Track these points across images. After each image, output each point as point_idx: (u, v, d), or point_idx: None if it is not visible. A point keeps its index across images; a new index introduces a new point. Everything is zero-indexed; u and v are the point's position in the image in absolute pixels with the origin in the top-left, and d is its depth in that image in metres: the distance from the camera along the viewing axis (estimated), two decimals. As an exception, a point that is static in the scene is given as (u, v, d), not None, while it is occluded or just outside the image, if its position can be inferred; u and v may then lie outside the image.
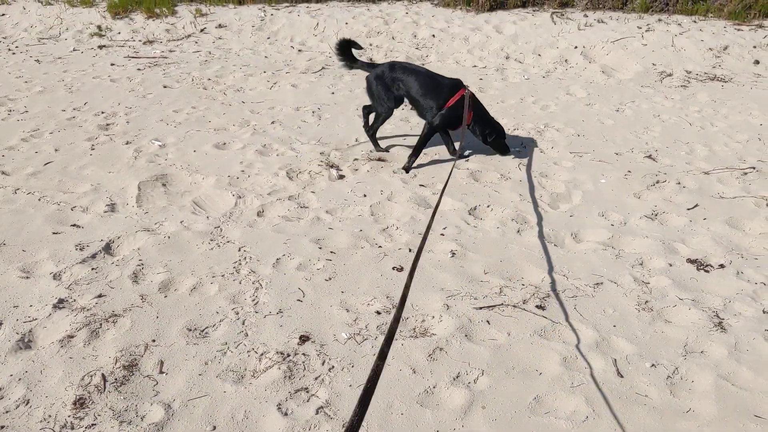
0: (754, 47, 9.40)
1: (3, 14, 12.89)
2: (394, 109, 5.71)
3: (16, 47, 10.99)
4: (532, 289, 3.68)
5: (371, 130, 5.96)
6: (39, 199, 4.95)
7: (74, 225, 4.51)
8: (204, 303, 3.58)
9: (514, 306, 3.51)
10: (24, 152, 5.97)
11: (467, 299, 3.58)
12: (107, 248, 4.19)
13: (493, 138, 5.57)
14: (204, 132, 6.47)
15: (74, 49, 10.77)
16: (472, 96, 5.41)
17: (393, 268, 3.92)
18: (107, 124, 6.75)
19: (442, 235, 4.38)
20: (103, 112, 7.16)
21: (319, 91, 8.14)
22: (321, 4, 12.19)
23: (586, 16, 10.82)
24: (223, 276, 3.84)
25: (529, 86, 8.34)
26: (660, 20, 10.44)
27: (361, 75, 8.75)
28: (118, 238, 4.32)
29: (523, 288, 3.70)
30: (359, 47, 6.12)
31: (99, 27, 11.77)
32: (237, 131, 6.53)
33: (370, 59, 9.83)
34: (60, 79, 8.71)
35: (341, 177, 5.40)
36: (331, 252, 4.13)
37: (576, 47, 9.67)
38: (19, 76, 8.95)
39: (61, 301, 3.55)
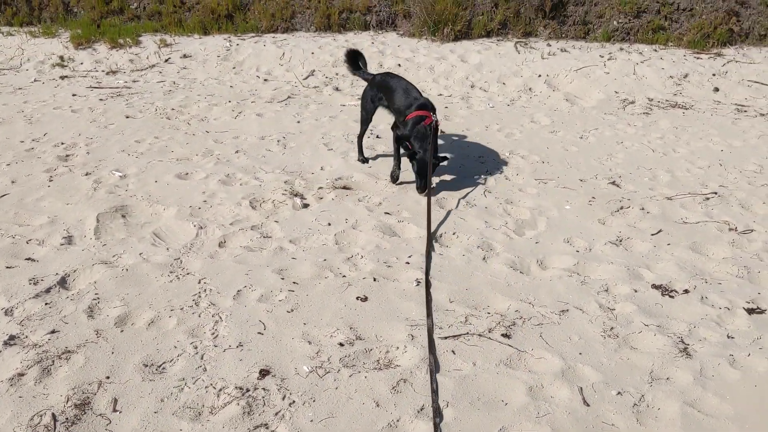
0: (714, 75, 9.65)
1: (-38, 44, 12.67)
2: (372, 115, 6.15)
3: (-25, 78, 10.79)
4: (498, 318, 3.65)
5: (359, 137, 6.36)
6: (-8, 233, 4.80)
7: (29, 259, 4.38)
8: (161, 337, 3.48)
9: (480, 335, 3.47)
10: (-22, 184, 5.81)
11: (433, 329, 3.53)
12: (62, 282, 4.07)
13: (419, 158, 5.45)
14: (166, 162, 6.39)
15: (35, 80, 10.62)
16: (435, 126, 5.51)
17: (357, 298, 3.87)
18: (67, 155, 6.63)
19: (407, 263, 4.34)
20: (62, 143, 7.03)
21: (285, 120, 8.12)
22: (287, 34, 12.24)
23: (549, 45, 11.02)
24: (182, 309, 3.74)
25: (493, 114, 8.42)
26: (622, 49, 10.67)
27: (326, 105, 8.77)
28: (74, 271, 4.20)
29: (488, 316, 3.67)
30: (364, 60, 6.50)
31: (61, 57, 11.64)
32: (200, 161, 6.45)
33: (336, 88, 9.85)
34: (19, 110, 8.55)
35: (305, 206, 5.36)
36: (294, 282, 4.06)
37: (540, 76, 9.82)
38: (-23, 106, 8.76)
39: (12, 337, 3.42)
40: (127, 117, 8.12)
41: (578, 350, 3.37)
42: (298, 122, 8.03)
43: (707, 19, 10.88)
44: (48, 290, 3.95)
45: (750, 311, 3.72)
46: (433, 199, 5.45)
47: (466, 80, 10.00)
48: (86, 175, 6.02)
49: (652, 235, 4.84)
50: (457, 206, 5.34)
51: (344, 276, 4.16)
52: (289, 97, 9.30)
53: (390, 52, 11.05)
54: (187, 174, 6.07)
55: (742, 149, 7.02)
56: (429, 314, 3.57)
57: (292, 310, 3.74)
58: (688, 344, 3.42)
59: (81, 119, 8.04)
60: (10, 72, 11.30)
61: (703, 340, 3.46)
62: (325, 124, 7.88)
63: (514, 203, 5.40)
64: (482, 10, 11.74)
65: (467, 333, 3.49)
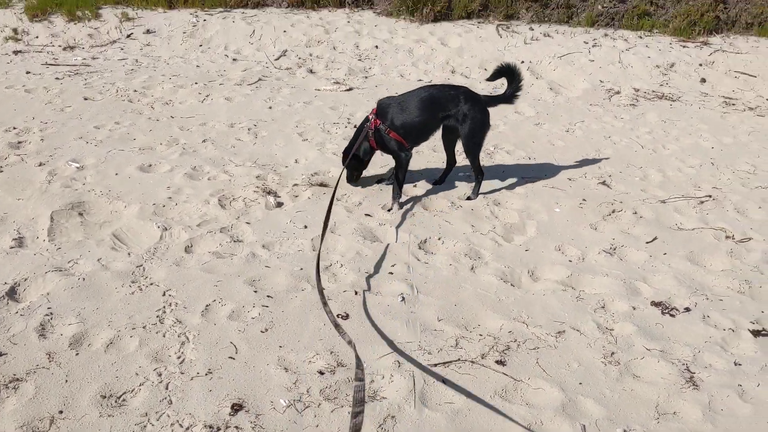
0: (700, 65, 9.53)
1: None
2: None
3: None
4: (491, 341, 3.44)
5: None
6: (-67, 233, 4.44)
7: (-28, 264, 4.03)
8: (122, 362, 3.20)
9: (472, 362, 3.26)
10: None
11: (420, 354, 3.31)
12: (11, 293, 3.75)
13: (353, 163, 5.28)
14: (128, 152, 6.03)
15: (-15, 54, 10.05)
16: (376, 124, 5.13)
17: (338, 316, 3.62)
18: (18, 142, 6.22)
19: (391, 274, 4.11)
20: (14, 128, 6.61)
21: (256, 105, 7.77)
22: (257, 9, 11.79)
23: (531, 29, 10.78)
24: (144, 327, 3.46)
25: (476, 103, 8.17)
26: (606, 35, 10.48)
27: (299, 89, 8.43)
28: (25, 280, 3.88)
29: (480, 339, 3.45)
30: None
31: (15, 30, 11.05)
32: (164, 151, 6.11)
33: (310, 70, 9.50)
34: (-34, 88, 8.06)
35: (279, 205, 5.07)
36: (268, 296, 3.80)
37: (523, 62, 9.59)
38: None
39: (-51, 364, 3.11)
40: (86, 99, 7.70)
41: (578, 379, 3.17)
42: (270, 108, 7.70)
43: (694, 6, 10.74)
44: (-6, 303, 3.62)
45: (756, 333, 3.57)
46: (415, 199, 5.20)
47: (447, 65, 9.73)
48: (40, 165, 5.64)
49: (647, 243, 4.67)
50: (441, 207, 5.10)
51: (322, 288, 3.90)
52: (259, 79, 8.93)
53: (367, 32, 10.71)
54: (150, 166, 5.74)
55: (732, 147, 6.89)
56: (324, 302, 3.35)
57: (267, 330, 3.48)
58: (694, 372, 3.25)
59: (35, 101, 7.60)
60: (-42, 45, 10.70)
61: (709, 368, 3.29)
62: (299, 111, 7.57)
63: (501, 205, 5.19)
64: (463, -10, 11.42)
65: (459, 359, 3.27)
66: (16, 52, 10.14)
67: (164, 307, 3.66)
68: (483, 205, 5.15)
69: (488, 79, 5.68)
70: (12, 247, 4.27)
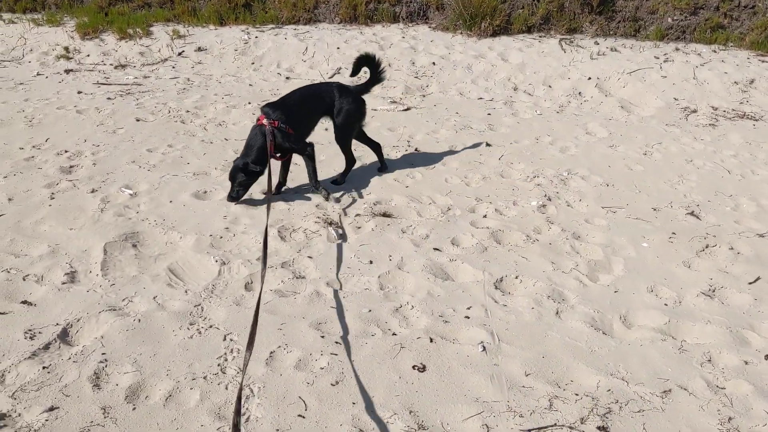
0: (783, 81, 9.03)
1: (-40, 32, 12.25)
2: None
3: (-27, 70, 10.36)
4: (589, 402, 3.12)
5: None
6: (-16, 265, 4.33)
7: (25, 302, 3.91)
8: (182, 418, 2.99)
9: (571, 428, 2.95)
10: (-29, 202, 5.34)
11: (510, 416, 3.02)
12: (64, 335, 3.59)
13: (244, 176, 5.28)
14: (182, 177, 5.89)
15: (38, 74, 10.18)
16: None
17: (414, 367, 3.35)
18: (70, 167, 6.15)
19: (467, 318, 3.82)
20: (66, 151, 6.56)
21: (311, 126, 7.59)
22: (309, 26, 11.71)
23: (597, 43, 10.42)
24: (205, 378, 3.25)
25: (542, 123, 7.86)
26: (677, 49, 10.06)
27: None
28: (78, 320, 3.72)
29: (577, 399, 3.14)
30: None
31: (66, 48, 11.18)
32: (219, 176, 5.96)
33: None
34: (20, 109, 8.09)
35: (342, 237, 4.84)
36: (336, 342, 3.55)
37: (589, 78, 9.24)
38: (-26, 104, 8.31)
39: (1, 416, 2.93)
40: (138, 120, 7.63)
41: (694, 451, 2.84)
42: (326, 129, 7.49)
43: (773, 18, 10.23)
44: (47, 347, 3.47)
45: None
46: (486, 231, 4.92)
47: (508, 82, 9.44)
48: (92, 192, 5.54)
49: (750, 283, 4.29)
50: (515, 241, 4.80)
51: (395, 334, 3.65)
52: (313, 98, 8.75)
53: (422, 48, 10.49)
54: (205, 192, 5.59)
55: (829, 172, 6.43)
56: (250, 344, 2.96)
57: (337, 383, 3.23)
58: (829, 446, 2.88)
59: (87, 122, 7.56)
60: (11, 64, 10.88)
61: None
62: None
63: (582, 238, 4.86)
64: (523, 3, 11.15)
65: (555, 424, 2.96)
66: (67, 71, 10.23)
67: (225, 354, 3.45)
68: (562, 238, 4.84)
69: (351, 75, 6.15)
70: (64, 283, 4.13)
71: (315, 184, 5.52)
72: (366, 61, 5.87)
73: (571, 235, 4.90)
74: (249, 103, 8.41)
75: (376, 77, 5.90)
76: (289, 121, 5.30)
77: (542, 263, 4.48)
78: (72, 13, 12.57)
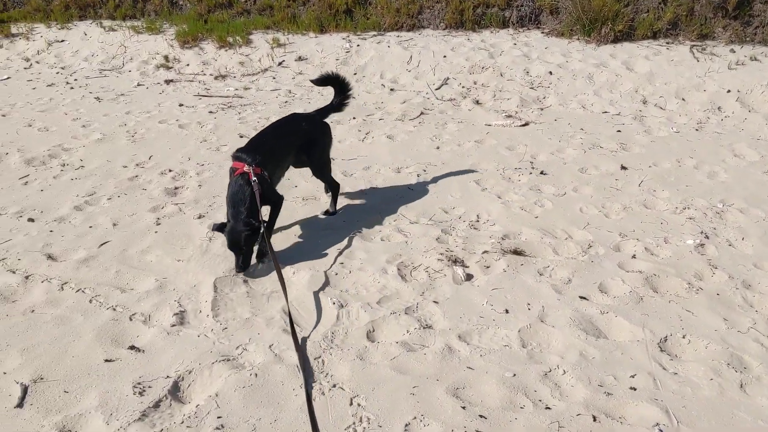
0: None
1: (62, 41, 12.59)
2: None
3: (75, 80, 10.56)
4: None
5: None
6: (90, 300, 4.16)
7: (133, 347, 3.67)
8: None
9: None
10: (76, 226, 5.24)
11: None
12: (175, 390, 3.32)
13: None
14: (290, 201, 5.62)
15: (138, 84, 10.25)
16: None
17: (578, 456, 2.87)
18: (175, 188, 5.99)
19: (633, 390, 3.31)
20: (170, 170, 6.42)
21: (421, 144, 7.22)
22: (413, 32, 11.36)
23: (733, 51, 9.58)
24: (334, 456, 2.88)
25: (681, 142, 7.19)
26: (830, 57, 9.10)
27: (467, 124, 7.80)
28: (189, 372, 3.44)
29: None
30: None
31: (166, 57, 11.26)
32: (329, 201, 5.64)
33: (476, 101, 8.86)
34: (122, 122, 8.09)
35: (469, 278, 4.41)
36: (481, 416, 3.12)
37: (728, 91, 8.46)
38: (77, 117, 8.39)
39: (111, 498, 2.65)
40: (241, 136, 7.46)
41: None
42: (437, 148, 7.12)
43: None
44: (157, 405, 3.20)
45: None
46: (639, 276, 4.37)
47: (636, 94, 8.77)
48: (199, 218, 5.33)
49: None
50: (676, 290, 4.23)
51: (548, 408, 3.18)
52: (421, 113, 8.40)
53: (536, 55, 9.95)
54: (315, 218, 5.28)
55: None
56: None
57: (489, 472, 2.79)
58: None
59: (189, 138, 7.45)
60: (111, 74, 11.03)
61: None
62: (471, 152, 6.93)
63: (753, 288, 4.25)
64: (648, 7, 10.42)
65: None
66: (168, 81, 10.25)
67: (354, 424, 3.08)
68: (731, 287, 4.24)
69: (313, 82, 5.73)
70: (173, 325, 3.88)
71: (265, 239, 4.44)
72: (334, 81, 5.55)
73: (741, 283, 4.29)
74: (354, 118, 8.12)
75: (340, 103, 5.57)
76: (266, 166, 4.71)
77: (712, 319, 3.90)
78: (171, 20, 12.70)
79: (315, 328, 3.87)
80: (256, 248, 4.60)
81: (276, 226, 4.96)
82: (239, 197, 4.50)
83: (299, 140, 5.16)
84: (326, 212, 5.46)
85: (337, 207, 5.51)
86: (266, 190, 4.65)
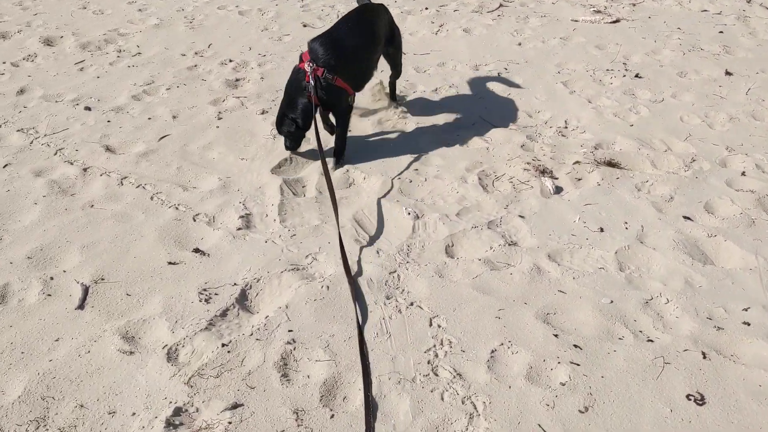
0: None
1: None
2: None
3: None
4: None
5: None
6: (152, 197, 4.03)
7: (197, 250, 3.53)
8: (390, 438, 2.47)
9: None
10: (135, 117, 5.07)
11: None
12: (243, 299, 3.18)
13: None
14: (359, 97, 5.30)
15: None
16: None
17: (688, 397, 2.63)
18: (236, 80, 5.75)
19: (746, 324, 3.04)
20: (231, 60, 6.17)
21: (501, 40, 6.76)
22: None
23: None
24: (413, 380, 2.71)
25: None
26: None
27: (551, 19, 7.26)
28: (257, 280, 3.30)
29: None
30: None
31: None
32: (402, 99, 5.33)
33: None
34: (180, 7, 7.80)
35: (558, 191, 4.11)
36: (575, 346, 2.89)
37: None
38: (132, 1, 8.10)
39: (177, 411, 2.54)
40: (305, 26, 7.13)
41: None
42: (519, 44, 6.66)
43: None
44: (224, 314, 3.07)
45: None
46: (750, 195, 4.02)
47: (743, -10, 8.01)
48: (262, 114, 5.12)
49: None
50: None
51: (650, 340, 2.93)
52: (500, 4, 7.87)
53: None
54: (388, 121, 4.99)
55: None
56: None
57: (587, 409, 2.59)
58: None
59: (250, 26, 7.14)
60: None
61: None
62: (557, 50, 6.46)
63: None
64: None
65: None
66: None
67: (435, 346, 2.89)
68: None
69: None
70: (239, 229, 3.72)
71: (338, 161, 4.42)
72: None
73: None
74: (426, 8, 7.66)
75: None
76: (339, 68, 4.21)
77: (835, 249, 3.55)
78: None
79: (387, 239, 3.65)
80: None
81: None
82: (292, 94, 4.29)
83: (385, 32, 4.71)
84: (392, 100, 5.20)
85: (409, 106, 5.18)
86: (324, 94, 4.22)
